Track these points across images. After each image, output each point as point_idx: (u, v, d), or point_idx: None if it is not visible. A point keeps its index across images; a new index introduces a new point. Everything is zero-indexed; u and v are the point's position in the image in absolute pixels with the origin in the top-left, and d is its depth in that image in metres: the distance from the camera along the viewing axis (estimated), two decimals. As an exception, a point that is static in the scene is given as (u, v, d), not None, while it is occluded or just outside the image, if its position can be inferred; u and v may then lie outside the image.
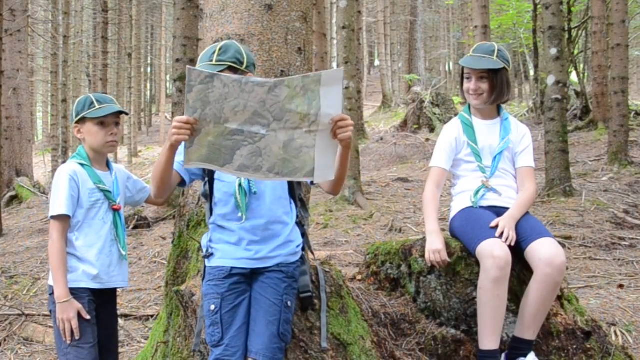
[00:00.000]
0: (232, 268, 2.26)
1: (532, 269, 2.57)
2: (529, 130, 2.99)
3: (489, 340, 2.52)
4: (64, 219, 2.51)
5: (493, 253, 2.50)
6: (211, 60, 2.24)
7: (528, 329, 2.55)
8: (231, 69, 2.24)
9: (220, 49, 2.26)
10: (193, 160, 2.06)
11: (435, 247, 2.70)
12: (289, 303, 2.29)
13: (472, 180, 2.85)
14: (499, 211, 2.75)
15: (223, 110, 1.98)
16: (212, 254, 2.30)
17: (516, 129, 2.90)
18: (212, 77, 1.95)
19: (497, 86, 2.80)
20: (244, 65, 2.28)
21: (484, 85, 2.81)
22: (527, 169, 2.86)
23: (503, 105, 2.95)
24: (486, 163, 2.83)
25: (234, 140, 2.02)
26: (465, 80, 2.88)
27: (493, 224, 2.63)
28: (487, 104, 2.85)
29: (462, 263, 2.73)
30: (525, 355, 2.54)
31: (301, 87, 1.99)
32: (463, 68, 2.88)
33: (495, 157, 2.82)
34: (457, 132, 2.89)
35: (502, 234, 2.59)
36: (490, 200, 2.80)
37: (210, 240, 2.32)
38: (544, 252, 2.53)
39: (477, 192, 2.80)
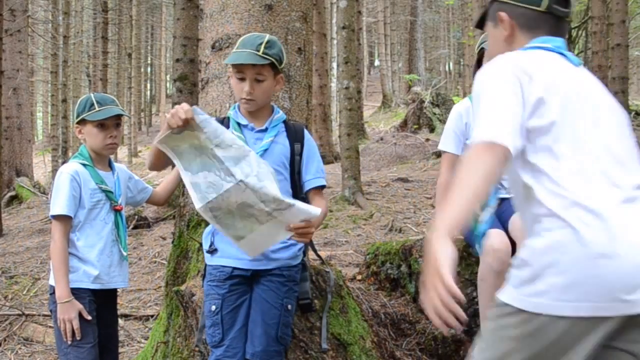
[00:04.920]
0: (234, 269, 2.25)
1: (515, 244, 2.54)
2: None
3: None
4: (65, 219, 2.50)
5: (493, 246, 2.48)
6: (258, 51, 2.19)
7: None
8: (273, 66, 2.23)
9: (267, 42, 2.22)
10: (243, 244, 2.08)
11: None
12: (289, 306, 2.27)
13: None
14: (500, 201, 2.70)
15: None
16: (216, 249, 2.28)
17: None
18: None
19: None
20: (281, 66, 2.28)
21: None
22: None
23: None
24: None
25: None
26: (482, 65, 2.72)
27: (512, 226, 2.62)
28: None
29: (462, 263, 2.74)
30: None
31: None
32: (481, 51, 2.74)
33: None
34: (467, 116, 2.76)
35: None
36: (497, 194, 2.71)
37: (214, 236, 2.30)
38: (519, 225, 2.48)
39: None
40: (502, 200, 2.71)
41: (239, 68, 2.22)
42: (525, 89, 1.47)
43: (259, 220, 2.02)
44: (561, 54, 1.62)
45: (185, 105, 1.99)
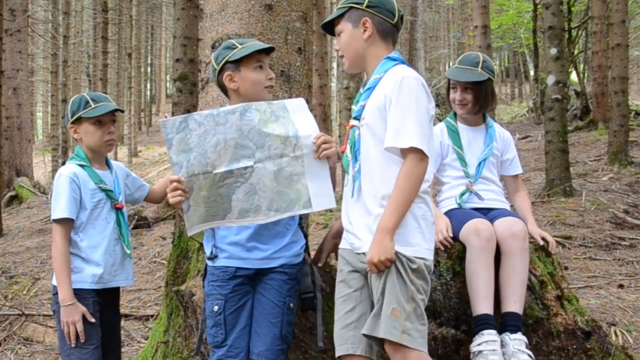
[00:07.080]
0: (237, 269, 2.25)
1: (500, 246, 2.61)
2: (511, 136, 3.11)
3: (481, 305, 2.52)
4: (67, 222, 2.50)
5: (477, 227, 2.59)
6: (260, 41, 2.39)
7: (507, 301, 2.56)
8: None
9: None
10: (195, 224, 2.14)
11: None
12: (291, 305, 2.28)
13: (457, 186, 2.92)
14: (482, 212, 2.83)
15: (206, 154, 2.05)
16: (216, 256, 2.29)
17: (501, 137, 3.00)
18: (186, 120, 2.05)
19: (481, 97, 2.91)
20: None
21: (469, 96, 2.91)
22: (518, 176, 3.05)
23: (488, 113, 3.07)
24: (471, 169, 2.91)
25: (226, 185, 2.08)
26: (451, 91, 2.99)
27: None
28: (472, 114, 2.95)
29: (462, 263, 2.73)
30: (514, 331, 2.54)
31: (270, 112, 2.10)
32: (449, 78, 3.00)
33: (480, 163, 2.91)
34: (442, 137, 2.97)
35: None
36: (474, 204, 2.87)
37: (215, 241, 2.31)
38: (502, 225, 2.64)
39: (462, 195, 2.87)
40: (490, 209, 2.85)
41: (259, 57, 2.28)
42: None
43: (298, 171, 2.13)
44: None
45: (172, 179, 2.10)
